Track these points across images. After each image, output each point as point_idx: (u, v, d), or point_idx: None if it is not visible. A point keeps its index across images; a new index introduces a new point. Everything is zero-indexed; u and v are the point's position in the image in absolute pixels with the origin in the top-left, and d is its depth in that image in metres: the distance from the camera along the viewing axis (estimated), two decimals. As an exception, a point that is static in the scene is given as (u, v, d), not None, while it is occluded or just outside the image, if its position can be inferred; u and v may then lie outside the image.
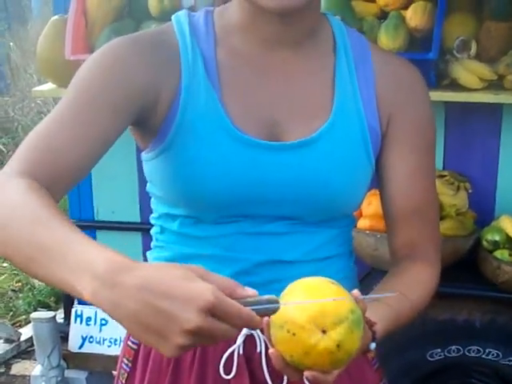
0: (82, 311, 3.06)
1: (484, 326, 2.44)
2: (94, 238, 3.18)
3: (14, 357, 3.95)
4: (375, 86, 1.32)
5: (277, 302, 0.96)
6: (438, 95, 2.42)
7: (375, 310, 1.15)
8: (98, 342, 3.06)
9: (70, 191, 1.22)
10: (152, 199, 1.39)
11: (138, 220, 3.13)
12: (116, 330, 2.98)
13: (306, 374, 1.00)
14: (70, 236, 0.98)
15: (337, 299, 0.99)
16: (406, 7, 2.64)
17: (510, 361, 2.45)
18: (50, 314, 3.18)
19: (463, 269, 2.49)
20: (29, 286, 4.56)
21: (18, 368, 3.87)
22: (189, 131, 1.25)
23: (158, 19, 2.79)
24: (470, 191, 2.58)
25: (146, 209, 3.01)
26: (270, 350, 1.02)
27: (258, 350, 1.30)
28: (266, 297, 0.96)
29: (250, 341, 1.31)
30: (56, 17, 2.95)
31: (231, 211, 1.28)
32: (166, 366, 1.35)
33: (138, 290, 0.90)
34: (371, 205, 2.33)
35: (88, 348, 3.07)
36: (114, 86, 1.21)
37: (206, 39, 1.29)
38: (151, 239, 1.42)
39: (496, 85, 2.55)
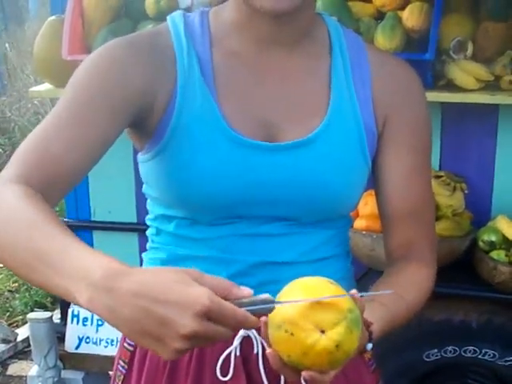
0: (78, 311, 3.05)
1: (480, 327, 2.45)
2: (91, 238, 3.19)
3: (11, 357, 3.95)
4: (371, 86, 1.32)
5: (272, 302, 0.97)
6: (434, 96, 2.43)
7: (371, 311, 1.14)
8: (95, 343, 3.05)
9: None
10: (148, 200, 1.38)
11: (135, 220, 3.13)
12: (112, 331, 2.95)
13: (304, 374, 0.99)
14: (66, 242, 1.00)
15: (334, 297, 0.98)
16: (402, 8, 2.64)
17: (506, 361, 2.45)
18: (47, 314, 3.18)
19: (459, 269, 2.49)
20: (25, 287, 4.55)
21: (14, 368, 3.87)
22: (184, 133, 1.25)
23: (155, 19, 2.79)
24: (466, 192, 2.58)
25: (142, 209, 2.98)
26: (268, 350, 1.02)
27: (255, 351, 1.30)
28: (262, 297, 0.97)
29: (246, 342, 1.31)
30: (53, 17, 2.95)
31: (227, 212, 1.28)
32: (163, 367, 1.34)
33: (133, 296, 0.91)
34: (367, 205, 2.33)
35: (85, 348, 3.07)
36: (111, 87, 1.21)
37: (202, 40, 1.29)
38: (147, 240, 1.42)
39: (492, 85, 2.55)
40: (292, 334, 0.97)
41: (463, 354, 2.46)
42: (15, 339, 4.01)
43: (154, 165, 1.29)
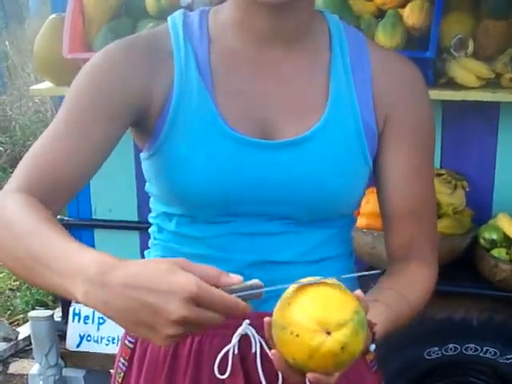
0: (79, 310, 3.05)
1: (481, 325, 2.45)
2: (92, 236, 3.19)
3: (12, 356, 3.95)
4: (372, 83, 1.31)
5: (261, 287, 0.99)
6: (435, 94, 2.42)
7: (375, 311, 1.14)
8: (96, 341, 3.06)
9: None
10: (151, 199, 1.39)
11: (136, 219, 3.13)
12: (114, 329, 2.97)
13: (309, 376, 0.99)
14: (61, 243, 1.05)
15: (303, 283, 0.99)
16: (403, 6, 2.64)
17: (507, 359, 2.46)
18: (48, 312, 3.18)
19: (460, 267, 2.49)
20: (26, 285, 4.55)
21: (15, 367, 3.87)
22: (181, 130, 1.26)
23: (156, 17, 2.79)
24: (467, 190, 2.58)
25: (143, 207, 3.01)
26: (272, 351, 1.02)
27: (253, 350, 1.30)
28: (251, 282, 0.99)
29: (245, 341, 1.31)
30: (54, 15, 2.96)
31: (224, 210, 1.28)
32: (162, 364, 1.35)
33: (124, 288, 0.95)
34: (369, 203, 2.32)
35: (86, 347, 3.07)
36: (110, 91, 1.24)
37: (200, 39, 1.30)
38: (149, 238, 1.42)
39: (493, 83, 2.55)
40: (297, 335, 0.96)
41: (464, 351, 2.46)
42: (16, 338, 4.01)
43: (153, 162, 1.30)
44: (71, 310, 3.07)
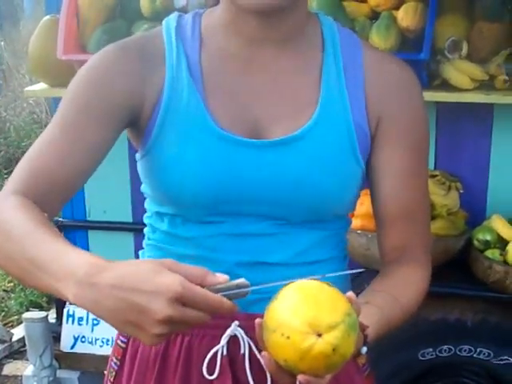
0: (74, 311, 3.05)
1: (475, 326, 2.45)
2: (86, 238, 3.19)
3: (6, 357, 3.95)
4: (365, 85, 1.31)
5: (247, 286, 1.01)
6: (429, 95, 2.42)
7: (366, 313, 1.14)
8: (90, 342, 3.06)
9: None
10: (146, 199, 1.40)
11: (130, 220, 3.13)
12: (108, 330, 2.97)
13: (300, 378, 0.99)
14: (54, 246, 1.08)
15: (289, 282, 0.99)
16: (397, 8, 2.64)
17: (501, 360, 2.46)
18: (42, 314, 3.18)
19: (454, 268, 2.50)
20: (21, 287, 4.55)
21: (9, 368, 3.86)
22: (171, 130, 1.27)
23: (150, 19, 2.79)
24: (461, 191, 2.59)
25: (138, 209, 3.01)
26: (262, 353, 1.02)
27: (242, 351, 1.30)
28: (237, 281, 1.01)
29: (234, 342, 1.31)
30: (48, 17, 2.95)
31: (215, 210, 1.29)
32: (153, 364, 1.36)
33: (112, 288, 0.99)
34: (363, 205, 2.31)
35: (80, 348, 3.07)
36: (103, 96, 1.26)
37: (192, 41, 1.31)
38: (143, 239, 1.43)
39: (487, 85, 2.56)
40: (288, 337, 0.96)
41: (458, 352, 2.47)
42: (10, 339, 4.01)
43: (145, 162, 1.32)
44: (65, 311, 3.06)
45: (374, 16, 2.69)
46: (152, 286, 0.97)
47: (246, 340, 1.30)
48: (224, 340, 1.30)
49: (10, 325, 4.28)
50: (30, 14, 8.38)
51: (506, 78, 2.53)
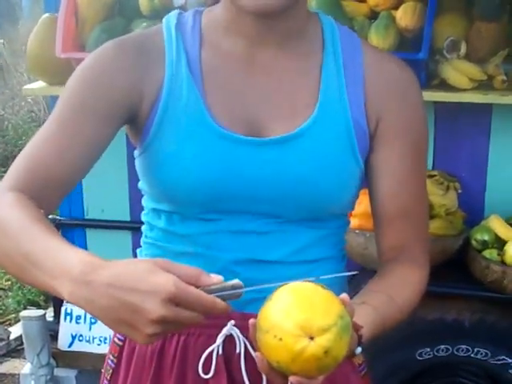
0: (71, 310, 3.05)
1: (473, 326, 2.45)
2: (84, 236, 3.19)
3: (4, 355, 3.95)
4: (364, 84, 1.31)
5: (241, 287, 1.01)
6: (427, 95, 2.40)
7: (361, 314, 1.14)
8: (88, 341, 3.06)
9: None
10: (144, 196, 1.40)
11: (128, 219, 3.13)
12: (106, 329, 2.95)
13: (292, 379, 0.99)
14: (49, 243, 1.08)
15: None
16: (396, 7, 2.65)
17: (498, 360, 2.46)
18: (40, 312, 3.18)
19: (452, 268, 2.50)
20: (18, 285, 4.55)
21: (7, 366, 3.87)
22: (170, 127, 1.27)
23: (149, 18, 2.79)
24: (459, 191, 2.59)
25: (135, 207, 3.01)
26: (255, 354, 1.03)
27: (238, 350, 1.30)
28: (231, 282, 1.01)
29: (229, 341, 1.31)
30: (47, 15, 2.96)
31: (212, 207, 1.29)
32: (149, 362, 1.36)
33: (107, 287, 0.99)
34: (361, 204, 2.32)
35: (77, 346, 3.07)
36: (100, 95, 1.26)
37: (192, 39, 1.31)
38: (141, 237, 1.43)
39: (485, 85, 2.57)
40: (280, 339, 0.96)
41: (456, 352, 2.47)
42: (8, 337, 4.01)
43: (143, 159, 1.32)
44: (63, 309, 3.06)
45: (373, 16, 2.70)
46: (146, 286, 0.97)
47: (241, 339, 1.30)
48: (220, 339, 1.30)
49: (7, 323, 4.29)
50: (29, 13, 8.38)
51: (505, 78, 2.53)
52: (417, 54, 2.48)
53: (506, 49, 2.57)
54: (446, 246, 2.48)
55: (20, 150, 1.26)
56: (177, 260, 1.06)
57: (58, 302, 3.15)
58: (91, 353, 3.03)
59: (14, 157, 1.26)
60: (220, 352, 1.31)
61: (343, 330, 0.97)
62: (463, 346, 2.46)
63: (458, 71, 2.54)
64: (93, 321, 3.04)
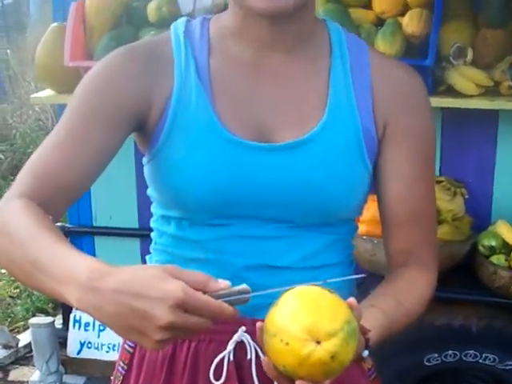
0: (80, 317, 3.06)
1: (481, 331, 2.45)
2: (93, 243, 3.20)
3: (13, 363, 3.94)
4: (372, 90, 1.32)
5: (248, 292, 1.01)
6: (434, 101, 2.40)
7: (370, 317, 1.15)
8: (97, 348, 3.06)
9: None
10: (153, 203, 1.41)
11: (137, 226, 3.14)
12: (114, 336, 2.96)
13: (298, 383, 1.00)
14: (57, 250, 1.08)
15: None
16: (402, 14, 2.66)
17: (506, 365, 2.46)
18: (49, 319, 3.19)
19: (460, 274, 2.50)
20: (27, 293, 4.56)
21: (16, 374, 3.86)
22: (179, 133, 1.27)
23: (157, 26, 2.81)
24: (466, 197, 2.59)
25: (144, 214, 3.01)
26: (262, 358, 1.03)
27: (249, 356, 1.30)
28: (238, 287, 1.02)
29: (240, 347, 1.31)
30: (55, 24, 2.97)
31: (222, 212, 1.29)
32: (160, 369, 1.36)
33: (114, 293, 0.99)
34: (368, 210, 2.32)
35: (86, 353, 3.08)
36: (109, 102, 1.26)
37: (200, 46, 1.31)
38: (150, 244, 1.43)
39: (492, 91, 2.57)
40: (287, 343, 0.97)
41: (463, 358, 2.47)
42: (17, 345, 4.01)
43: (152, 166, 1.32)
44: (72, 316, 3.08)
45: (380, 23, 2.71)
46: (155, 292, 0.97)
47: (252, 345, 1.30)
48: (231, 345, 1.30)
49: (16, 331, 4.29)
50: (36, 22, 8.39)
51: (511, 83, 2.53)
52: (423, 60, 2.49)
53: (513, 55, 2.58)
54: (453, 251, 2.48)
55: (28, 158, 1.27)
56: (186, 266, 1.06)
57: (66, 309, 3.17)
58: (100, 360, 3.04)
59: (22, 165, 1.27)
60: (231, 358, 1.31)
61: (350, 334, 0.98)
62: (471, 352, 2.46)
63: (465, 77, 2.54)
64: (101, 328, 3.05)
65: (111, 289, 0.99)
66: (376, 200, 1.39)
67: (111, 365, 1.50)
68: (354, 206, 1.34)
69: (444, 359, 2.48)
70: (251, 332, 1.28)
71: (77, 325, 3.07)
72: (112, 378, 1.47)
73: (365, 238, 2.44)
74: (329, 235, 1.34)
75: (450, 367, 2.50)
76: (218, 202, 1.28)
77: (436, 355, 2.48)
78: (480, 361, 2.46)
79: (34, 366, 3.32)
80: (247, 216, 1.29)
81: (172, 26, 1.35)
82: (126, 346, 1.42)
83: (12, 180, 5.57)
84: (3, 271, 4.75)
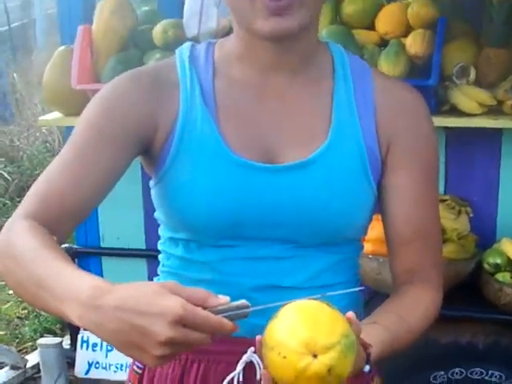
0: (88, 337, 3.07)
1: (487, 348, 2.45)
2: (100, 264, 3.21)
3: (21, 383, 3.95)
4: (375, 110, 1.33)
5: (248, 307, 1.02)
6: (438, 121, 2.43)
7: (372, 333, 1.16)
8: (105, 368, 3.07)
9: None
10: (160, 226, 1.42)
11: (144, 247, 3.15)
12: (122, 356, 2.97)
13: None
14: (61, 269, 1.10)
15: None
16: (405, 35, 2.68)
17: (512, 383, 2.46)
18: (57, 339, 3.20)
19: (465, 292, 2.50)
20: (35, 313, 4.56)
21: (24, 395, 3.87)
22: (185, 156, 1.29)
23: (163, 49, 2.83)
24: (471, 215, 2.60)
25: (151, 235, 3.03)
26: (262, 371, 1.05)
27: (258, 377, 1.29)
28: (238, 302, 1.02)
29: (249, 368, 1.31)
30: (63, 47, 3.00)
31: (228, 234, 1.30)
32: None
33: (115, 311, 1.00)
34: (374, 229, 2.33)
35: (94, 373, 3.08)
36: (115, 125, 1.28)
37: (205, 70, 1.33)
38: (157, 265, 1.44)
39: (495, 110, 2.58)
40: (284, 357, 0.97)
41: (470, 375, 2.46)
42: (25, 365, 4.00)
43: (159, 189, 1.33)
44: (79, 337, 3.08)
45: (383, 43, 2.73)
46: (154, 309, 0.98)
47: (261, 365, 1.28)
48: (240, 366, 1.30)
49: (24, 351, 4.29)
50: (43, 45, 8.44)
51: (514, 102, 2.55)
52: (427, 80, 2.51)
53: (515, 74, 2.60)
54: (458, 269, 2.48)
55: (35, 180, 1.28)
56: (196, 287, 1.07)
57: (74, 330, 3.17)
58: (108, 380, 3.04)
59: (29, 187, 1.28)
60: (240, 379, 1.31)
61: (348, 348, 0.98)
62: (477, 369, 2.45)
63: (468, 97, 2.56)
64: (109, 348, 3.05)
65: (112, 306, 1.00)
66: (381, 218, 1.39)
67: (119, 385, 1.51)
68: (360, 225, 1.36)
69: (451, 377, 2.48)
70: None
71: (85, 345, 3.08)
72: (121, 398, 1.48)
73: (370, 256, 2.45)
74: (335, 255, 1.35)
75: (456, 385, 2.51)
76: (225, 224, 1.29)
77: (442, 373, 2.47)
78: (486, 378, 2.45)
79: (41, 386, 3.32)
80: (254, 237, 1.30)
81: (177, 51, 1.37)
82: (135, 367, 1.42)
83: (19, 202, 5.51)
84: (10, 292, 4.76)
